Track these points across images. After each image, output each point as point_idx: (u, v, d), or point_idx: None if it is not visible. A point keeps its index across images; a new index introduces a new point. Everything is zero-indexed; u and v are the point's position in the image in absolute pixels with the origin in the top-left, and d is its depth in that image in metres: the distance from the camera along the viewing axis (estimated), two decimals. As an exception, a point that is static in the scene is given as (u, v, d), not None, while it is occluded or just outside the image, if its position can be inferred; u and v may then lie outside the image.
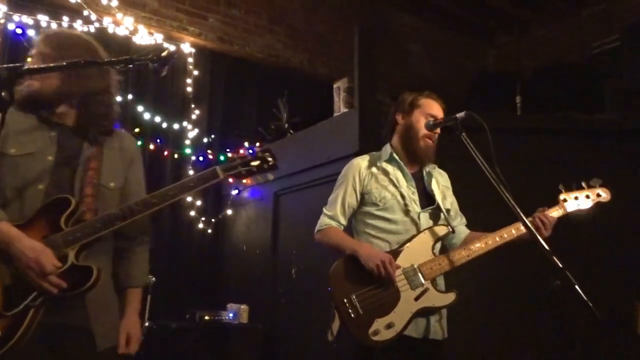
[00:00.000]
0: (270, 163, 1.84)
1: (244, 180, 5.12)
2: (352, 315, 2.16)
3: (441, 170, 2.56)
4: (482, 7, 6.55)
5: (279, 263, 4.57)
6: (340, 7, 6.25)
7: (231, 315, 4.36)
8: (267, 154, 1.84)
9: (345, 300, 2.17)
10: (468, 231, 2.51)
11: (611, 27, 5.63)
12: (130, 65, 1.75)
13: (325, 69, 5.98)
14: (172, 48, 1.79)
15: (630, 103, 4.26)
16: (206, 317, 4.23)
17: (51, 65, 1.73)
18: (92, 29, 4.45)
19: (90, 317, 1.80)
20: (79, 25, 4.40)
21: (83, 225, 1.76)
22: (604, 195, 2.40)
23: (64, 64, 1.67)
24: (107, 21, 4.57)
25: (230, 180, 1.90)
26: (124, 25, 4.63)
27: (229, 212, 5.24)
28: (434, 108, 2.43)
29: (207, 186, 1.82)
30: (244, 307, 4.43)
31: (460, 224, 2.52)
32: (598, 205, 2.39)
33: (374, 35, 4.15)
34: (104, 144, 1.94)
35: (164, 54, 1.79)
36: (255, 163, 1.82)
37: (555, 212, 2.31)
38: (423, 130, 2.38)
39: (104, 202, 1.87)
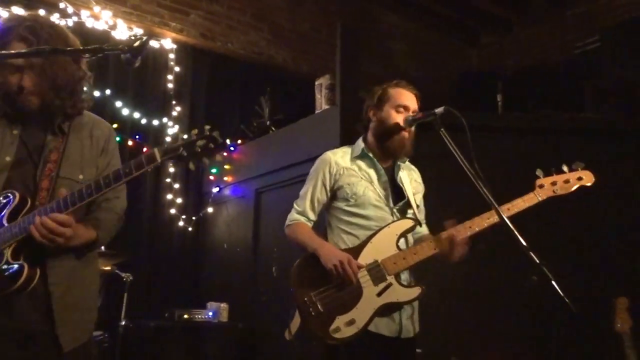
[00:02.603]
0: (219, 142, 1.63)
1: (225, 178, 5.12)
2: (313, 313, 2.12)
3: (414, 167, 2.53)
4: (466, 7, 6.58)
5: (260, 261, 4.53)
6: (324, 5, 6.23)
7: (211, 313, 4.31)
8: (215, 132, 1.64)
9: (305, 299, 2.14)
10: (427, 232, 2.45)
11: (593, 27, 5.69)
12: (100, 55, 1.70)
13: (309, 66, 5.95)
14: (144, 38, 1.71)
15: (610, 103, 4.30)
16: (185, 316, 4.18)
17: (15, 52, 1.66)
18: (69, 22, 4.38)
19: (55, 319, 1.72)
20: (55, 19, 4.31)
21: (18, 221, 1.68)
22: (585, 178, 2.26)
23: (28, 51, 1.61)
24: (85, 15, 4.49)
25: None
26: (102, 19, 4.56)
27: (210, 210, 5.19)
28: (404, 97, 2.36)
29: (145, 170, 1.66)
30: (224, 305, 4.38)
31: (422, 221, 2.47)
32: (579, 189, 2.26)
33: (356, 32, 4.13)
34: (71, 134, 1.85)
35: (136, 44, 1.74)
36: (200, 143, 1.61)
37: (528, 201, 2.23)
38: (395, 123, 2.31)
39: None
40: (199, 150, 1.61)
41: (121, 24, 4.68)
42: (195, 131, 1.66)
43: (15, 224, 1.68)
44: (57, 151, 1.80)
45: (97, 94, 4.61)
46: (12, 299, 1.66)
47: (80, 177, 1.83)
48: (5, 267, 1.65)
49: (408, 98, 2.37)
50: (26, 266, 1.65)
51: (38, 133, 1.82)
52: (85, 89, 1.90)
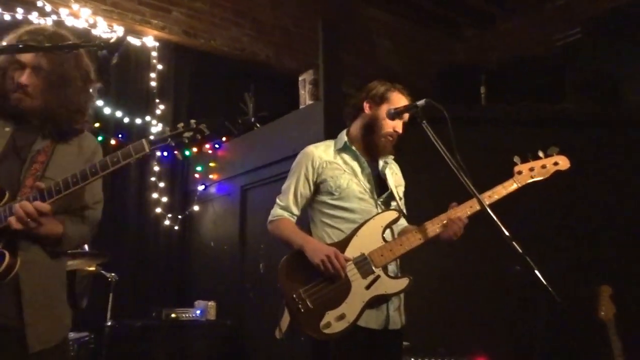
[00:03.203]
0: (206, 133, 1.71)
1: (211, 176, 5.10)
2: (302, 310, 2.11)
3: (394, 162, 2.53)
4: (449, 1, 6.60)
5: (247, 258, 4.52)
6: (307, 0, 6.21)
7: (198, 312, 4.29)
8: (202, 125, 1.71)
9: (294, 296, 2.13)
10: (406, 224, 2.45)
11: (574, 19, 5.74)
12: (76, 52, 1.69)
13: (292, 62, 5.93)
14: (121, 34, 1.71)
15: (590, 93, 4.35)
16: (172, 315, 4.16)
17: None
18: (48, 21, 4.32)
19: (24, 317, 1.70)
20: (34, 18, 4.26)
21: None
22: (562, 163, 2.31)
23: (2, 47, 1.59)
24: (64, 13, 4.43)
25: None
26: (82, 17, 4.50)
27: (196, 208, 5.16)
28: (402, 103, 2.36)
29: (133, 159, 1.69)
30: (211, 303, 4.36)
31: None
32: (556, 174, 2.31)
33: (338, 27, 4.13)
34: (60, 140, 1.87)
35: (112, 40, 1.74)
36: (187, 134, 1.69)
37: (508, 186, 2.26)
38: (386, 128, 2.34)
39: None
40: (187, 141, 1.69)
41: (101, 22, 4.63)
42: (182, 124, 1.71)
43: None
44: (45, 153, 1.80)
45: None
46: None
47: None
48: None
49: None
50: (7, 254, 1.64)
51: (30, 134, 1.84)
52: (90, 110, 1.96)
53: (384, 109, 2.35)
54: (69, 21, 4.46)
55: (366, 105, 2.41)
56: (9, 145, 1.80)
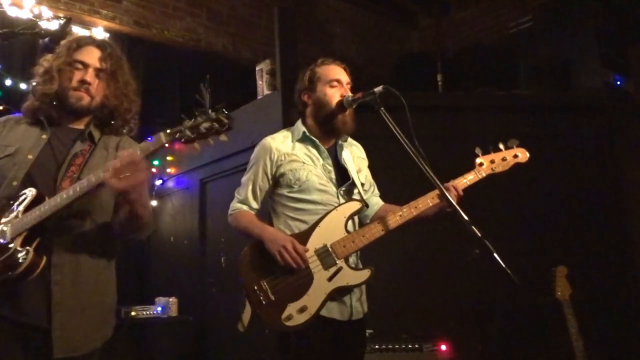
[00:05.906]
0: (225, 123, 1.57)
1: (169, 170, 4.98)
2: (264, 302, 2.09)
3: (355, 142, 2.50)
4: (404, -11, 6.62)
5: (208, 252, 4.47)
6: (264, -11, 6.11)
7: (160, 309, 4.21)
8: (221, 114, 1.57)
9: (255, 288, 2.10)
10: (381, 202, 2.47)
11: (525, 7, 5.85)
12: (6, 42, 1.62)
13: (249, 52, 5.84)
14: (63, 21, 1.63)
15: (543, 79, 4.44)
16: (132, 313, 4.06)
17: None
18: (-11, 12, 4.09)
19: (53, 319, 1.67)
20: (-28, 8, 4.03)
21: (31, 212, 1.67)
22: (521, 155, 2.34)
23: None
24: (5, 3, 4.20)
25: (178, 146, 1.62)
26: (26, 7, 4.28)
27: (154, 203, 5.03)
28: (334, 72, 2.35)
29: (151, 153, 1.64)
30: (172, 299, 4.29)
31: (373, 195, 2.49)
32: (516, 167, 2.34)
33: (294, 15, 4.08)
34: (99, 143, 1.89)
35: (54, 29, 1.66)
36: (206, 125, 1.56)
37: (470, 177, 2.27)
38: (334, 99, 2.30)
39: (91, 199, 1.77)
40: (204, 131, 1.57)
41: (47, 12, 4.41)
42: (201, 112, 1.62)
43: (33, 210, 1.66)
44: (83, 156, 1.82)
45: (23, 86, 4.35)
46: (16, 290, 1.64)
47: None
48: (12, 253, 1.63)
49: (338, 72, 2.36)
50: (31, 252, 1.62)
51: (67, 139, 1.86)
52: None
53: (320, 88, 2.33)
54: (12, 11, 4.23)
55: (305, 96, 2.39)
56: (46, 149, 1.81)
